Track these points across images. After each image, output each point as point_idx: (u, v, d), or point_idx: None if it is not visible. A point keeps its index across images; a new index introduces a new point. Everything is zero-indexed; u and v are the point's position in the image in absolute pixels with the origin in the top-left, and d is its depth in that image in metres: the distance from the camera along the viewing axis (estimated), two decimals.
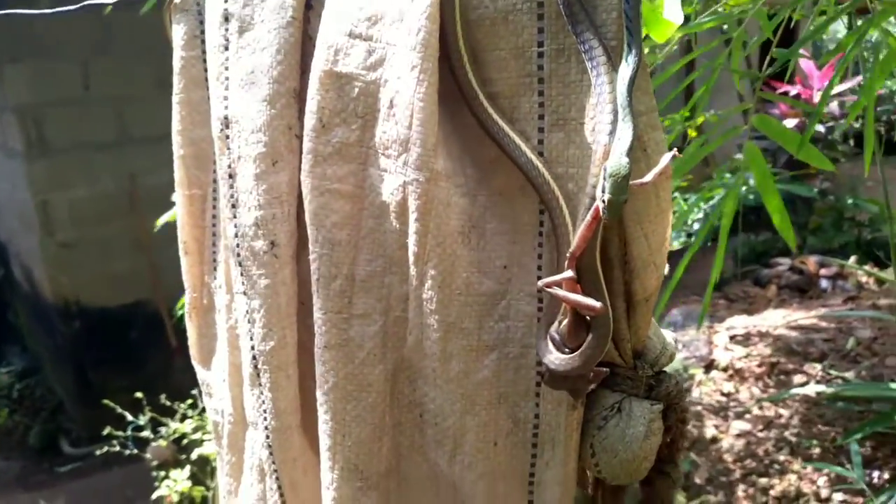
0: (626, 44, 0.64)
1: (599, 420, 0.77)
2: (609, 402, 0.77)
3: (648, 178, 0.64)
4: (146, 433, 2.60)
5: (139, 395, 2.56)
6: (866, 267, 4.35)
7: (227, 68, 0.84)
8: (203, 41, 0.90)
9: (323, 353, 0.77)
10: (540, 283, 0.67)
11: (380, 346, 0.77)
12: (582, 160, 0.69)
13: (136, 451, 2.62)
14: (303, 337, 0.86)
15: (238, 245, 0.85)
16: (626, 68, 0.64)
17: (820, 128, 4.83)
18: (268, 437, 0.86)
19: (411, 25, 0.69)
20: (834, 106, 4.84)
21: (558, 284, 0.67)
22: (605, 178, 0.62)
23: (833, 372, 3.16)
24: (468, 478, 0.77)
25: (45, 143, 3.45)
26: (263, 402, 0.85)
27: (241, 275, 0.85)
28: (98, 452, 2.66)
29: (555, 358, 0.68)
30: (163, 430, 2.58)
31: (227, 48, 0.85)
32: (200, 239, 0.94)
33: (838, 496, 2.62)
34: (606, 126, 0.64)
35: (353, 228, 0.76)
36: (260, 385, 0.85)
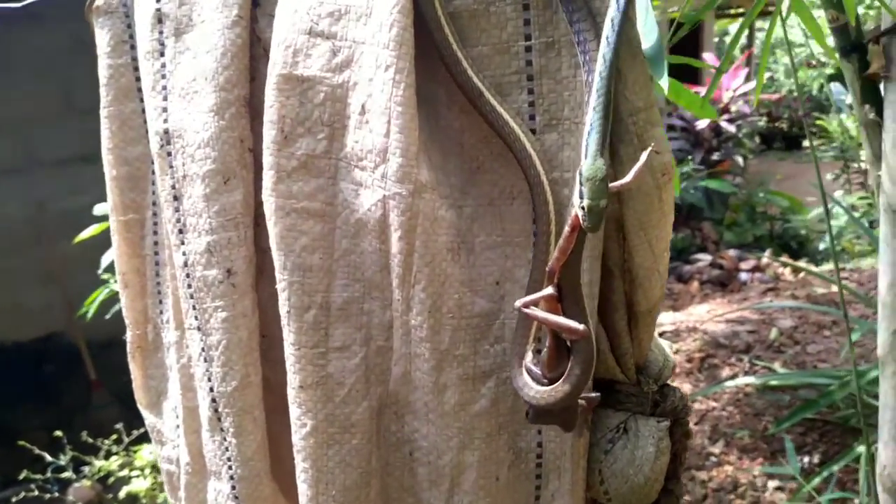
0: (612, 19, 0.57)
1: (605, 443, 0.71)
2: (614, 422, 0.72)
3: (629, 177, 0.58)
4: (68, 473, 2.42)
5: (58, 433, 2.38)
6: (783, 258, 4.51)
7: (164, 76, 0.75)
8: (133, 46, 0.79)
9: (298, 393, 0.68)
10: (517, 303, 0.61)
11: (362, 380, 0.69)
12: (578, 164, 0.63)
13: (57, 493, 2.43)
14: (266, 373, 0.77)
15: (188, 275, 0.75)
16: (606, 47, 0.57)
17: (731, 127, 5.00)
18: (234, 487, 0.76)
19: (382, 20, 0.62)
20: (743, 105, 5.03)
21: (536, 304, 0.60)
22: (581, 183, 0.56)
23: (759, 363, 3.24)
24: None
25: None
26: (227, 448, 0.76)
27: (194, 308, 0.75)
28: (14, 499, 2.45)
29: (535, 392, 0.61)
30: (86, 469, 2.42)
31: (162, 53, 0.75)
32: (141, 269, 0.83)
33: (773, 483, 2.67)
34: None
35: (325, 251, 0.67)
36: (222, 430, 0.76)
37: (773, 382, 2.92)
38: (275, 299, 0.78)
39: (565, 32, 0.61)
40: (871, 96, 1.65)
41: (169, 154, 0.74)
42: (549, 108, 0.63)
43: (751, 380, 3.01)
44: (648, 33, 0.63)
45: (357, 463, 0.69)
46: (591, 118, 0.56)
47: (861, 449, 2.49)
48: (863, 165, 5.31)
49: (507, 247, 0.67)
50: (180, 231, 0.75)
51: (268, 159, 0.66)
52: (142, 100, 0.79)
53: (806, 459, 2.71)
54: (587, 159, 0.55)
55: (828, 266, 4.41)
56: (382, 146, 0.62)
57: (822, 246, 4.69)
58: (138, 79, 0.79)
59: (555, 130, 0.63)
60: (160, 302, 0.84)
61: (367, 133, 0.64)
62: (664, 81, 0.63)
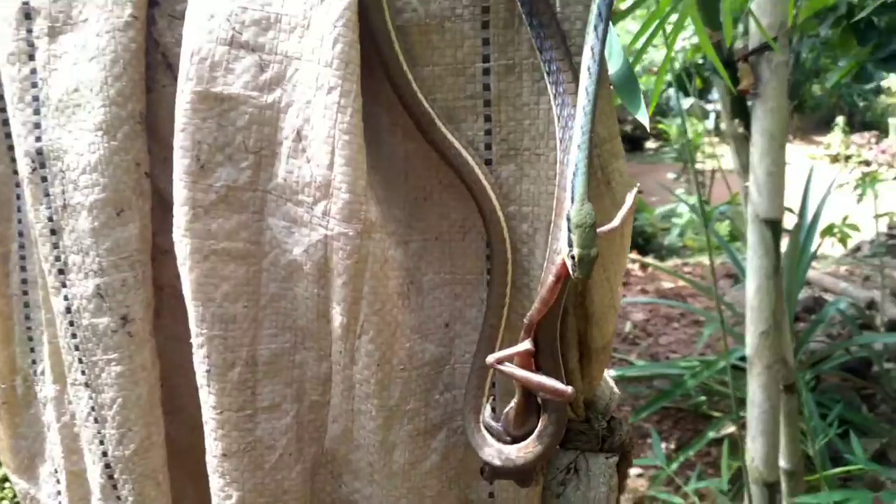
0: (591, 47, 0.52)
1: (557, 486, 0.67)
2: (564, 462, 0.68)
3: (616, 222, 0.54)
4: None
5: None
6: (631, 255, 4.75)
7: (34, 84, 0.62)
8: None
9: (221, 462, 0.59)
10: (489, 359, 0.55)
11: (294, 441, 0.60)
12: (538, 198, 0.58)
13: None
14: (170, 422, 0.67)
15: (72, 323, 0.63)
16: (588, 80, 0.53)
17: None
18: None
19: (323, 34, 0.53)
20: None
21: (510, 359, 0.55)
22: (570, 230, 0.51)
23: (616, 355, 3.39)
24: None
25: None
26: None
27: (80, 361, 0.63)
28: None
29: (497, 452, 0.56)
30: None
31: (32, 56, 0.62)
32: (6, 312, 0.69)
33: (634, 471, 2.80)
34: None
35: (250, 297, 0.58)
36: (119, 499, 0.64)
37: (631, 374, 3.06)
38: (174, 342, 0.67)
39: (527, 55, 0.55)
40: (739, 111, 1.74)
41: (44, 179, 0.62)
42: (507, 136, 0.57)
43: (610, 372, 3.14)
44: (615, 57, 0.58)
45: None
46: (576, 158, 0.50)
47: (712, 434, 2.67)
48: (700, 167, 5.70)
49: (456, 285, 0.61)
50: (60, 271, 0.63)
51: (181, 193, 0.55)
52: (2, 109, 0.66)
53: (663, 446, 2.86)
54: (575, 204, 0.50)
55: (672, 262, 4.70)
56: (325, 180, 0.54)
57: (666, 241, 4.99)
58: None
59: (513, 161, 0.58)
60: (31, 350, 0.70)
61: (303, 163, 0.55)
62: (643, 115, 0.59)
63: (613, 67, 0.58)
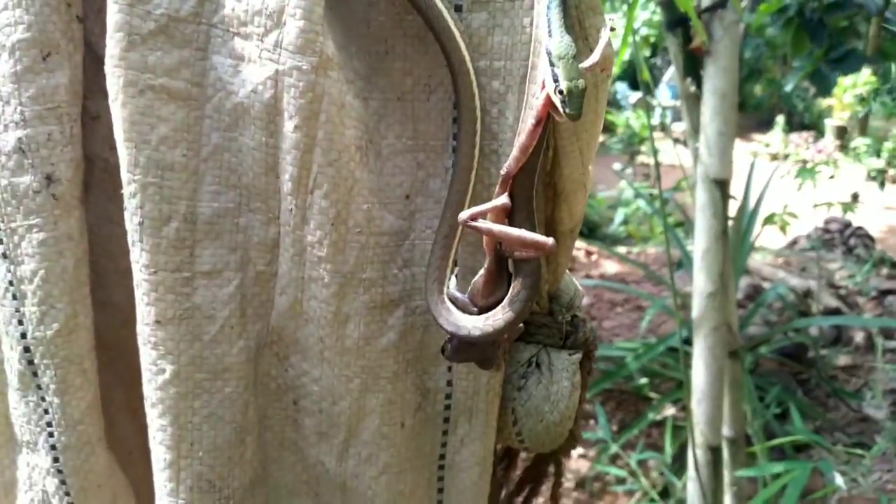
0: None
1: (518, 379, 0.63)
2: (525, 356, 0.64)
3: (595, 56, 0.50)
4: None
5: None
6: (577, 243, 4.79)
7: None
8: None
9: (155, 330, 0.53)
10: (462, 215, 0.50)
11: (237, 313, 0.55)
12: (511, 51, 0.54)
13: None
14: (96, 315, 0.60)
15: None
16: None
17: None
18: (56, 459, 0.58)
19: None
20: None
21: (483, 215, 0.51)
22: (552, 64, 0.47)
23: None
24: (367, 474, 0.58)
25: None
26: (47, 411, 0.58)
27: None
28: None
29: (467, 323, 0.52)
30: None
31: None
32: None
33: (577, 452, 2.80)
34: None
35: (191, 146, 0.52)
36: (39, 388, 0.58)
37: None
38: (104, 223, 0.61)
39: None
40: (692, 70, 1.74)
41: None
42: None
43: None
44: None
45: (230, 416, 0.55)
46: None
47: (653, 415, 2.68)
48: (646, 159, 5.80)
49: (419, 152, 0.56)
50: None
51: (115, 17, 0.49)
52: None
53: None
54: (554, 36, 0.47)
55: (617, 250, 4.74)
56: (277, 6, 0.49)
57: (610, 230, 5.04)
58: None
59: (484, 9, 0.53)
60: None
61: None
62: None
63: None
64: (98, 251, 0.62)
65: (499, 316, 0.51)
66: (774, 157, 6.42)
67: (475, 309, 0.53)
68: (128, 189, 0.51)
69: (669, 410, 2.87)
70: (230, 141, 0.53)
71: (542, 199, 0.59)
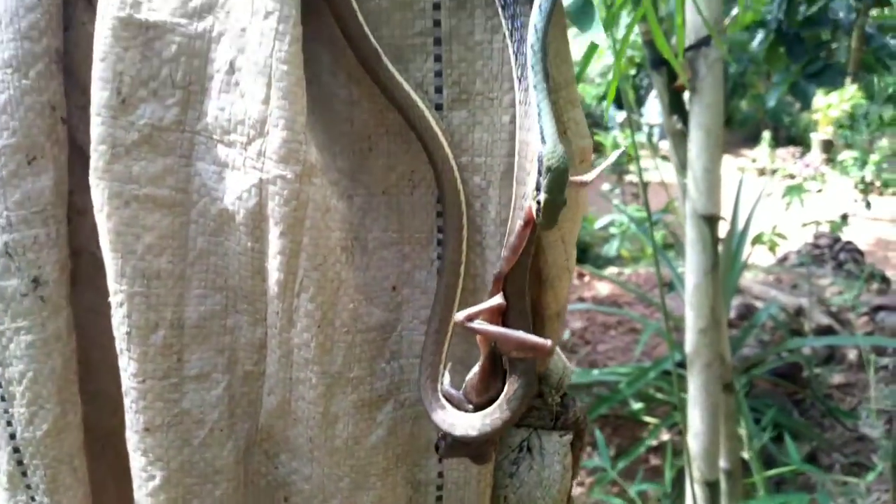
0: None
1: (509, 466, 0.63)
2: (516, 441, 0.64)
3: (592, 175, 0.51)
4: None
5: None
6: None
7: None
8: None
9: (144, 437, 0.53)
10: (458, 316, 0.50)
11: (226, 415, 0.55)
12: (491, 147, 0.54)
13: None
14: (86, 406, 0.60)
15: None
16: (538, 16, 0.49)
17: None
18: None
19: None
20: None
21: (477, 316, 0.51)
22: (540, 173, 0.48)
23: None
24: None
25: None
26: None
27: None
28: None
29: (463, 422, 0.51)
30: None
31: None
32: None
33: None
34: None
35: (176, 252, 0.52)
36: (29, 488, 0.57)
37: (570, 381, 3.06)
38: (92, 315, 0.61)
39: None
40: (677, 107, 1.76)
41: None
42: (458, 79, 0.53)
43: None
44: None
45: None
46: (536, 99, 0.47)
47: (651, 441, 2.68)
48: (634, 179, 5.81)
49: (404, 245, 0.57)
50: None
51: (98, 130, 0.50)
52: None
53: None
54: (547, 145, 0.47)
55: (608, 271, 4.75)
56: (260, 116, 0.49)
57: (603, 251, 5.04)
58: None
59: (464, 107, 0.54)
60: None
61: (237, 98, 0.50)
62: (598, 33, 0.55)
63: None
64: (87, 343, 0.61)
65: (496, 415, 0.51)
66: (762, 172, 6.47)
67: (470, 406, 0.53)
68: (114, 299, 0.51)
69: (666, 435, 2.86)
70: (216, 245, 0.53)
71: (528, 285, 0.60)
